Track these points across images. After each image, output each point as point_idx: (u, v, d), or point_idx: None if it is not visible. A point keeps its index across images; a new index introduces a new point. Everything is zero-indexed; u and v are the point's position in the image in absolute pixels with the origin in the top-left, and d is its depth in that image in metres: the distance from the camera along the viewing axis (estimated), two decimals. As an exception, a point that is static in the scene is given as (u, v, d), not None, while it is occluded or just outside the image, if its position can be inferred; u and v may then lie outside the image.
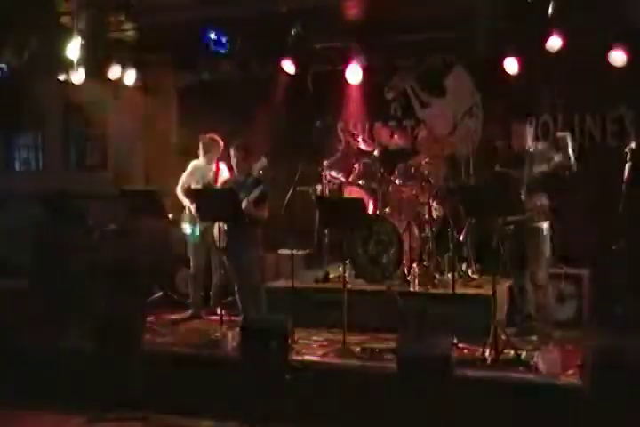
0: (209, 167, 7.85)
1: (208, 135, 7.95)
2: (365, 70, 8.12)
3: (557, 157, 6.31)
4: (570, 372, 5.66)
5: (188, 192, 7.58)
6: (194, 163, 7.96)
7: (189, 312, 7.90)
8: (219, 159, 7.88)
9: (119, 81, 8.75)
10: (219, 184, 7.63)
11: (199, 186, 7.69)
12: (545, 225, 6.46)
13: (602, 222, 7.23)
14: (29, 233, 9.27)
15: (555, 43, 6.95)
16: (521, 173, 6.45)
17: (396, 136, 7.98)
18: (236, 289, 7.28)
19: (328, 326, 6.94)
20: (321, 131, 7.43)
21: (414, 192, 7.67)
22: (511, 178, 6.50)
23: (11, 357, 6.93)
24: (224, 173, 7.81)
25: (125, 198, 7.37)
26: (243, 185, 7.01)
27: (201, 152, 7.90)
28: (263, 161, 7.12)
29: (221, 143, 7.85)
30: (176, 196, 7.82)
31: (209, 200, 6.99)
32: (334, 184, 8.04)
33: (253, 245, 7.11)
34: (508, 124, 7.07)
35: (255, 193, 6.88)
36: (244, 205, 6.80)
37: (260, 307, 7.13)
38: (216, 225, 6.95)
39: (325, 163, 8.06)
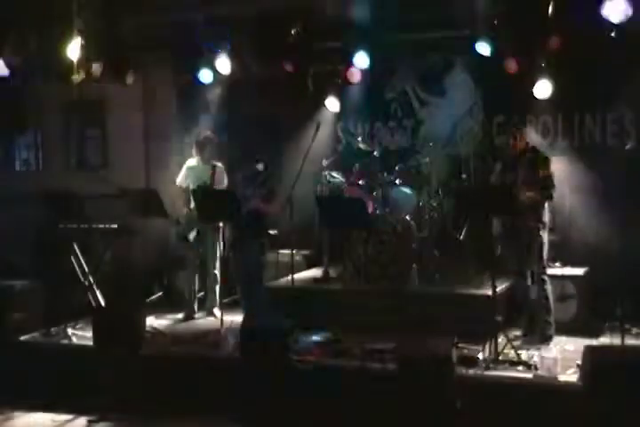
0: (204, 167, 7.82)
1: (202, 134, 7.93)
2: (365, 70, 8.12)
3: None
4: (570, 372, 5.66)
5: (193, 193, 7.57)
6: (188, 163, 7.95)
7: (183, 313, 7.93)
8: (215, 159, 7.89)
9: (120, 81, 8.75)
10: (216, 184, 7.64)
11: (194, 186, 7.68)
12: (540, 225, 6.47)
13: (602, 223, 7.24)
14: (29, 233, 9.28)
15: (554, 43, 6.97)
16: (516, 174, 6.45)
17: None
18: (239, 288, 7.31)
19: (328, 326, 6.95)
20: (321, 131, 7.41)
21: (415, 192, 7.67)
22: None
23: (11, 356, 6.94)
24: (221, 173, 7.81)
25: (125, 198, 7.38)
26: (250, 182, 7.10)
27: (195, 152, 7.88)
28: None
29: (216, 142, 7.85)
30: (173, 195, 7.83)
31: (209, 200, 7.01)
32: (334, 184, 8.04)
33: (260, 242, 7.16)
34: (508, 124, 7.08)
35: (262, 190, 6.97)
36: (251, 202, 6.89)
37: (262, 306, 7.16)
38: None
39: (325, 163, 8.07)
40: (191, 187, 7.70)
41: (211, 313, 7.86)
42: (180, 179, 7.92)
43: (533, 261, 6.51)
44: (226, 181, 7.81)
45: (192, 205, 7.55)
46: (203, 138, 7.86)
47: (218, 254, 7.83)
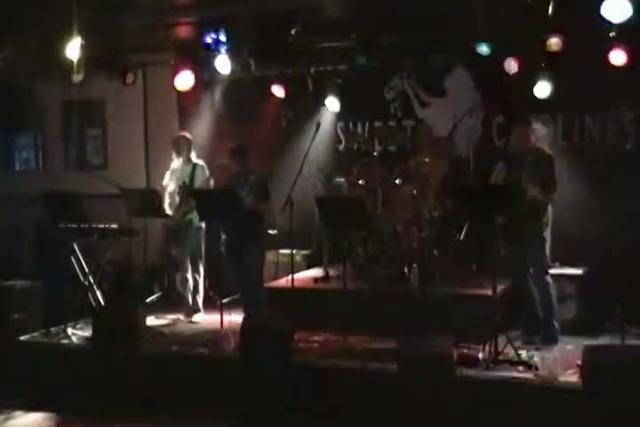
0: (185, 167, 7.84)
1: (178, 134, 7.98)
2: (366, 70, 8.12)
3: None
4: (570, 372, 5.66)
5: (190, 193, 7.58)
6: (172, 164, 7.99)
7: (182, 314, 7.92)
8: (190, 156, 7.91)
9: (119, 81, 8.75)
10: (197, 183, 7.65)
11: (176, 187, 7.75)
12: (543, 225, 6.46)
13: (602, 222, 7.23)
14: (29, 233, 9.28)
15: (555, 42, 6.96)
16: (519, 174, 6.44)
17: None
18: (238, 289, 7.31)
19: (328, 326, 6.94)
20: (321, 131, 7.41)
21: (414, 192, 7.67)
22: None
23: (11, 356, 6.95)
24: (202, 171, 7.80)
25: (125, 198, 7.38)
26: (244, 184, 7.10)
27: (174, 152, 7.92)
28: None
29: (191, 141, 7.88)
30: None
31: (208, 200, 7.01)
32: (334, 184, 8.04)
33: (258, 243, 7.16)
34: (508, 124, 7.08)
35: (255, 187, 6.97)
36: (247, 201, 6.88)
37: (262, 306, 7.16)
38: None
39: (324, 163, 8.07)
40: (174, 188, 7.77)
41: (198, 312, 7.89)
42: (165, 181, 7.97)
43: (536, 262, 6.50)
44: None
45: (173, 207, 7.71)
46: (176, 138, 7.90)
47: (201, 256, 7.86)
